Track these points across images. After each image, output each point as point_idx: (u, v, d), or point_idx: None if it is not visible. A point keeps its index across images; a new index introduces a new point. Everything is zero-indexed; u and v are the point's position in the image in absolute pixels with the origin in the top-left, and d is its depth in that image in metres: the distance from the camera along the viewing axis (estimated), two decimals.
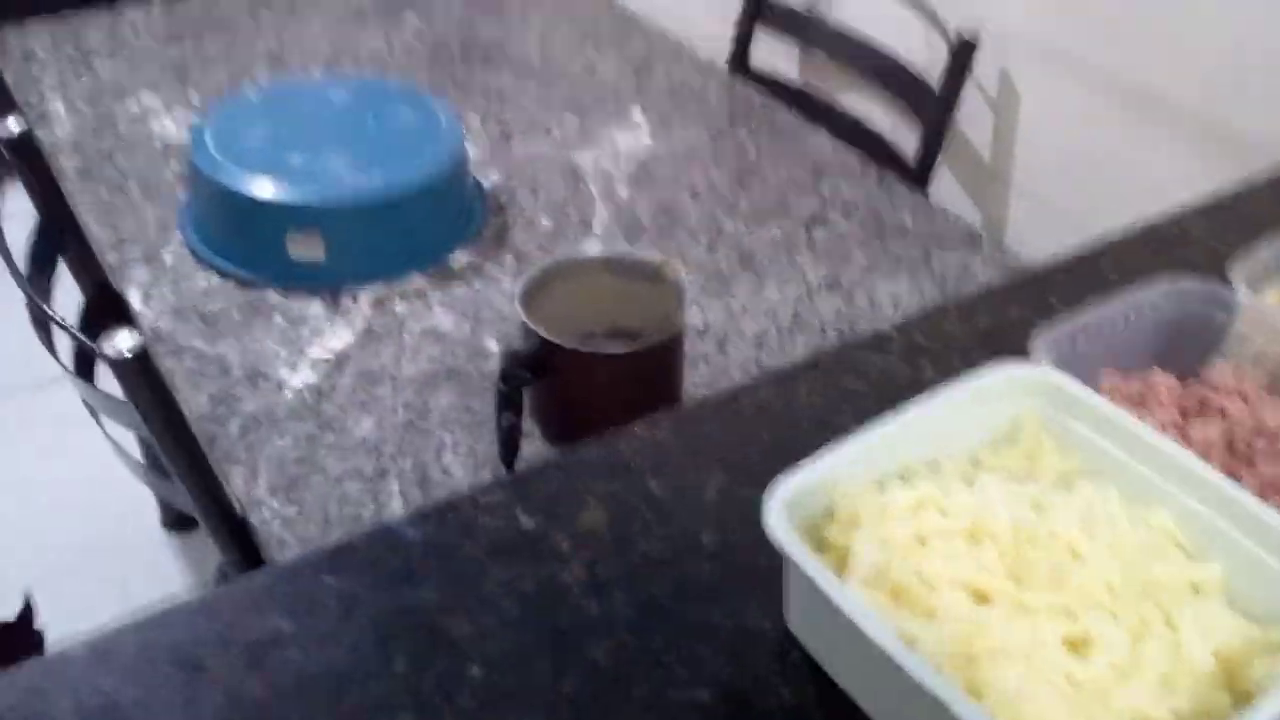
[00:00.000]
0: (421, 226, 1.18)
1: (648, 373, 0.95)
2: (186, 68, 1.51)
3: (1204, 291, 0.69)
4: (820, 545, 0.55)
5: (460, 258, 1.20)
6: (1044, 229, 1.38)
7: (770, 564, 0.57)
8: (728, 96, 1.55)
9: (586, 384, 0.93)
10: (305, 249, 1.12)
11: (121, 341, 0.76)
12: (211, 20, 1.63)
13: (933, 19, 1.45)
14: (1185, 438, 0.60)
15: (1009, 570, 0.51)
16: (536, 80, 1.55)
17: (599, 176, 1.35)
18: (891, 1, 1.51)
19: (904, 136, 1.52)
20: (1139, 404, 0.62)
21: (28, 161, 1.01)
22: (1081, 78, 1.29)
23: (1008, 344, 0.83)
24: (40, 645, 1.18)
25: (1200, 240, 0.94)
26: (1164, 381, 0.64)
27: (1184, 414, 0.61)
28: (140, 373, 0.78)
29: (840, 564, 0.53)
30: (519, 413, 0.92)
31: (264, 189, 1.11)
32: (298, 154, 1.15)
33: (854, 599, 0.48)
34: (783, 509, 0.51)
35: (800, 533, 0.51)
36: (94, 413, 1.01)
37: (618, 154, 1.40)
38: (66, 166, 1.29)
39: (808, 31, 1.59)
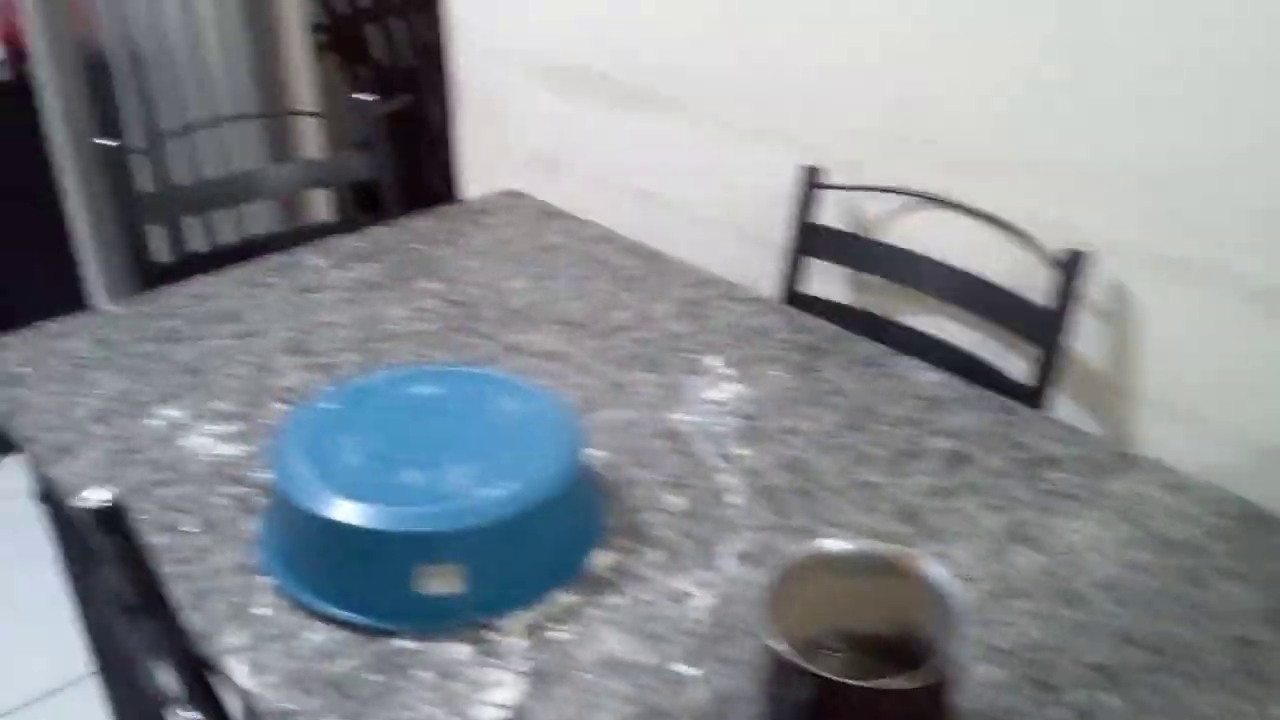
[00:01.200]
0: (559, 536, 1.01)
1: (936, 701, 0.79)
2: (200, 369, 1.33)
3: None
4: None
5: (599, 560, 1.04)
6: (1188, 441, 1.29)
7: None
8: (793, 328, 1.45)
9: None
10: (440, 583, 0.94)
11: None
12: (208, 310, 1.46)
13: (1012, 232, 1.40)
14: None
15: None
16: (590, 335, 1.42)
17: (706, 438, 1.22)
18: (944, 216, 1.45)
19: (995, 354, 1.44)
20: None
21: (118, 532, 0.81)
22: (1211, 282, 1.24)
23: None
24: None
25: None
26: None
27: None
28: None
29: None
30: None
31: (385, 519, 0.93)
32: (410, 470, 0.98)
33: None
34: None
35: None
36: None
37: (713, 408, 1.27)
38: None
39: (861, 255, 1.51)
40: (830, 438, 1.22)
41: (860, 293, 1.61)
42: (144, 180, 2.34)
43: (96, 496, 0.80)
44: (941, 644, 0.79)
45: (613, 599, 0.99)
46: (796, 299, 1.56)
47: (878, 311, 1.53)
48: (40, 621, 2.14)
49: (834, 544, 0.86)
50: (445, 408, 1.08)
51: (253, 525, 1.07)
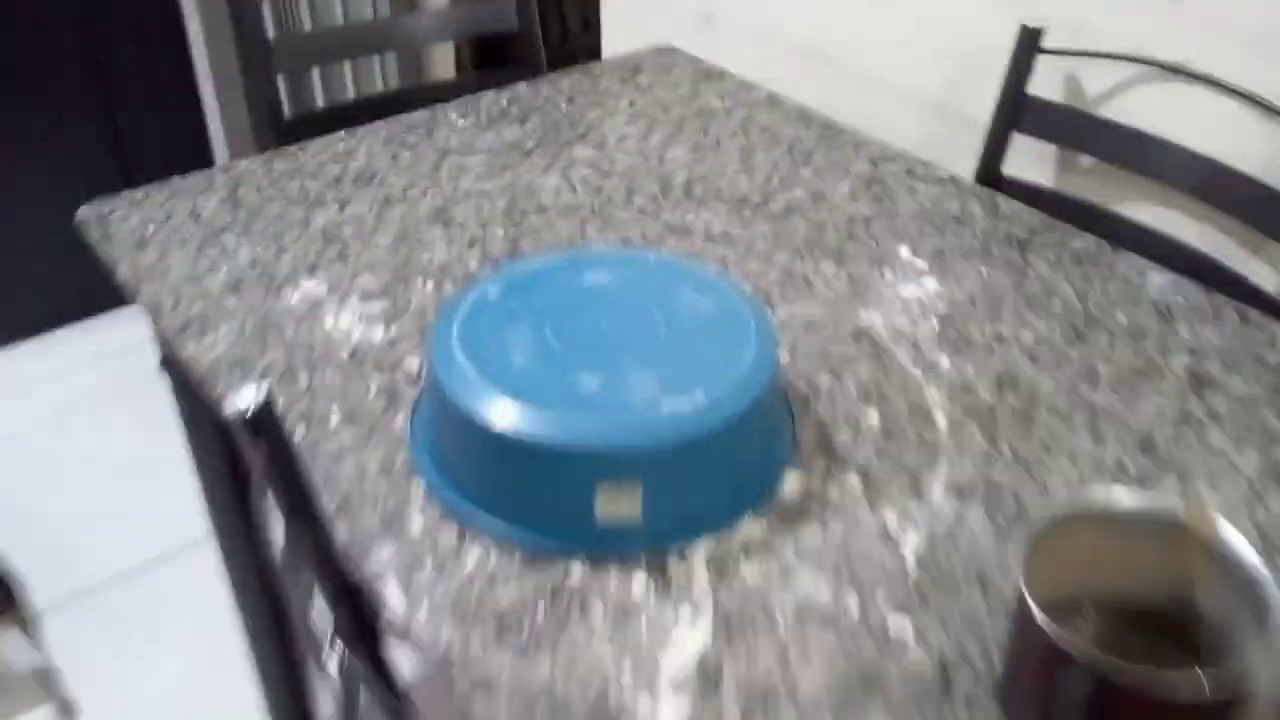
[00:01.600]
0: (751, 454, 0.89)
1: (1237, 704, 0.65)
2: (340, 238, 1.21)
3: None
4: None
5: (791, 484, 0.91)
6: None
7: None
8: (994, 216, 1.27)
9: None
10: (618, 504, 0.82)
11: None
12: (345, 171, 1.34)
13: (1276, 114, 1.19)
14: None
15: None
16: (763, 218, 1.27)
17: (903, 343, 1.07)
18: (1190, 91, 1.24)
19: (1237, 258, 1.25)
20: None
21: (271, 440, 0.71)
22: None
23: None
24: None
25: None
26: None
27: None
28: None
29: None
30: None
31: (560, 430, 0.81)
32: (587, 373, 0.86)
33: None
34: None
35: None
36: None
37: (909, 308, 1.12)
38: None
39: (1087, 134, 1.31)
40: (1047, 348, 1.06)
41: (1072, 176, 1.41)
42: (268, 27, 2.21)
43: (249, 398, 0.69)
44: (1245, 635, 0.65)
45: (808, 530, 0.86)
46: (996, 182, 1.37)
47: (1095, 200, 1.33)
48: (160, 482, 2.13)
49: (1108, 498, 0.72)
50: (621, 300, 0.94)
51: (401, 420, 0.96)
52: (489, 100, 1.52)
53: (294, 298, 1.11)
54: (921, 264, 1.19)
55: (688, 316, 0.93)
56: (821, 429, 0.97)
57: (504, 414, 0.82)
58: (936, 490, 0.91)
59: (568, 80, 1.59)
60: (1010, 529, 0.87)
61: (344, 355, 1.04)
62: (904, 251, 1.21)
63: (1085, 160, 1.36)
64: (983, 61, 1.42)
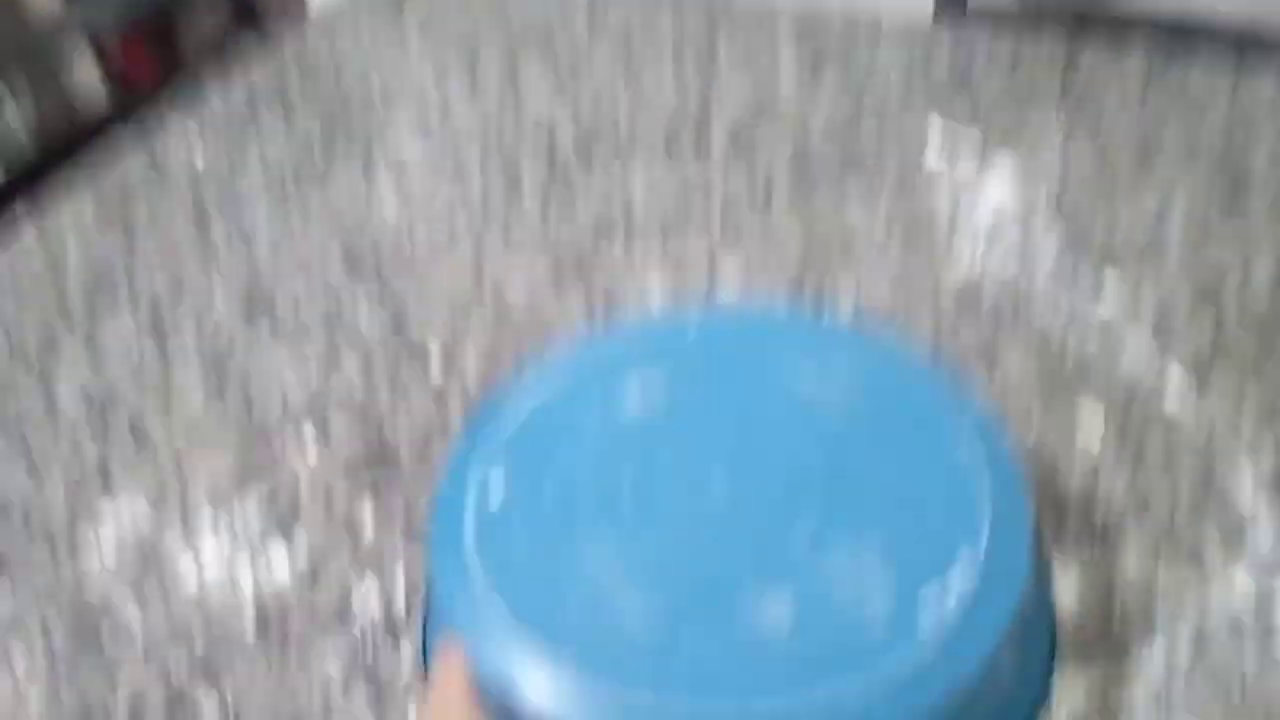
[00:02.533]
0: (1041, 619, 0.53)
1: None
2: (123, 404, 0.74)
3: None
4: None
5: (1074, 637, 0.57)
6: None
7: None
8: (1004, 56, 0.94)
9: None
10: None
11: None
12: (69, 285, 0.84)
13: None
14: None
15: None
16: (720, 155, 0.88)
17: (1038, 283, 0.73)
18: None
19: None
20: None
21: None
22: None
23: None
24: None
25: None
26: None
27: None
28: None
29: None
30: None
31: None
32: (755, 592, 0.47)
33: None
34: None
35: None
36: None
37: (1003, 229, 0.78)
38: None
39: None
40: (1211, 231, 0.76)
41: None
42: None
43: None
44: None
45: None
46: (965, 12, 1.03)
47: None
48: None
49: None
50: (707, 425, 0.54)
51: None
52: (219, 98, 1.03)
53: (104, 536, 0.65)
54: (968, 160, 0.84)
55: (836, 419, 0.54)
56: (1054, 499, 0.62)
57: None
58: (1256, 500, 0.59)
59: (313, 34, 1.11)
60: None
61: (247, 631, 0.59)
62: (930, 150, 0.86)
63: None
64: None
